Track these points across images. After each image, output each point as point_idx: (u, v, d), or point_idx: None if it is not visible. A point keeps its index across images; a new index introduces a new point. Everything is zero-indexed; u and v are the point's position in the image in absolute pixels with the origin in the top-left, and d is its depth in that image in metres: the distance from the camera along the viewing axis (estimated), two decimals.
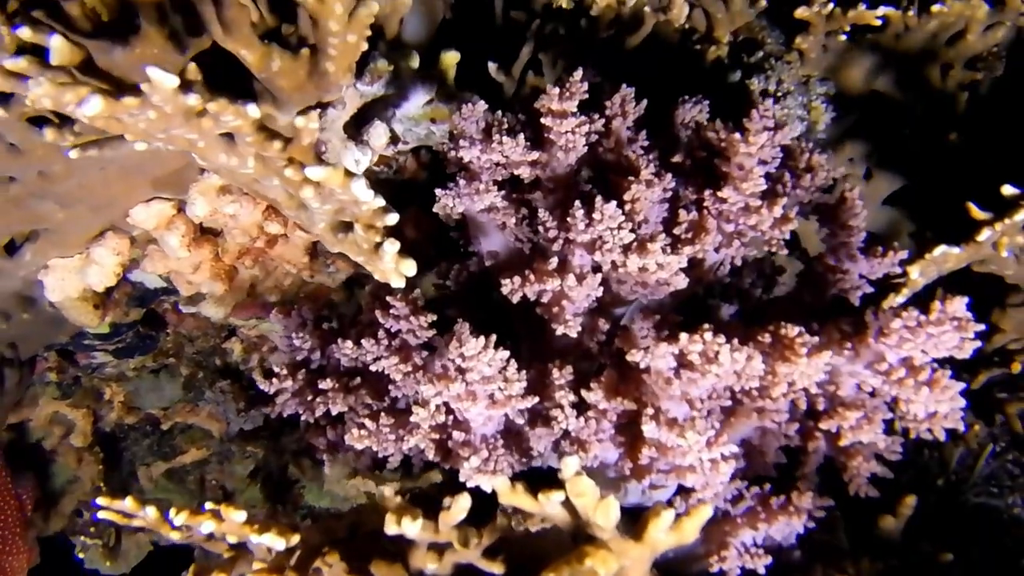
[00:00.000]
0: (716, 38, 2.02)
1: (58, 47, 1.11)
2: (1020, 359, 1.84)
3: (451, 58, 1.60)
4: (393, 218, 1.26)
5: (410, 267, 1.27)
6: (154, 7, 1.23)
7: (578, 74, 1.47)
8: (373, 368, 1.50)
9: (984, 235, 1.51)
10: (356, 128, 1.59)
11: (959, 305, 1.37)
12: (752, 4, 1.98)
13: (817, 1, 1.86)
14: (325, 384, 1.52)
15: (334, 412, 1.52)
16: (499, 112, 1.55)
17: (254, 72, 1.38)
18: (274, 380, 1.57)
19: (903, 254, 1.61)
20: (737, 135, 1.48)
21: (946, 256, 1.53)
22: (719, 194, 1.48)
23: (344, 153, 1.54)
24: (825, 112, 1.98)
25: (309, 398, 1.55)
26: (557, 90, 1.45)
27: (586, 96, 1.48)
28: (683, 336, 1.32)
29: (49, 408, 2.31)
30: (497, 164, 1.51)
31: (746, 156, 1.48)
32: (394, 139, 1.64)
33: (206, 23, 1.29)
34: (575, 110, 1.47)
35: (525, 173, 1.51)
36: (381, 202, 1.22)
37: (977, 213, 1.54)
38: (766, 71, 1.95)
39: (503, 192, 1.53)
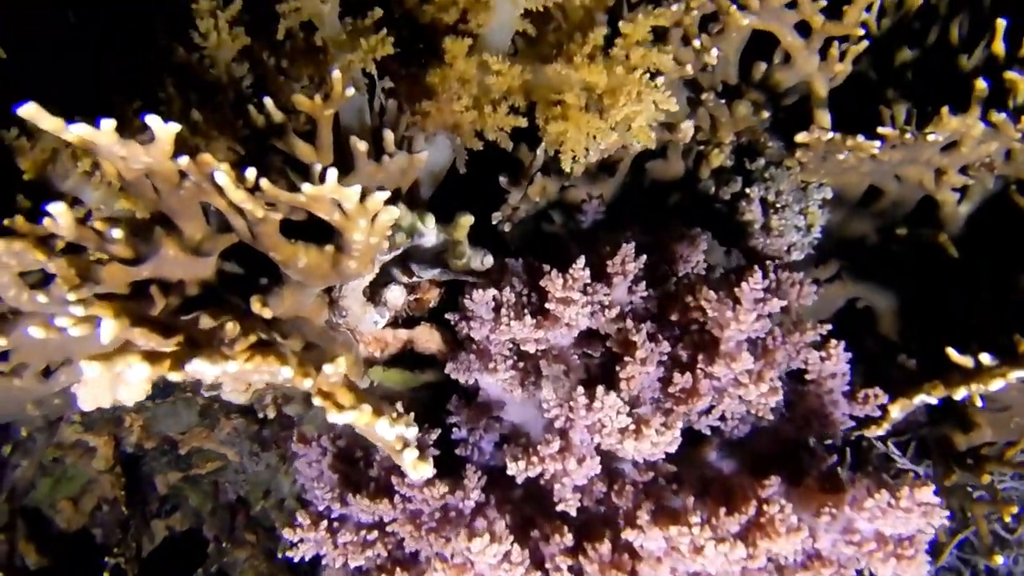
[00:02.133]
0: (719, 140, 2.08)
1: (108, 329, 1.22)
2: (990, 468, 1.96)
3: (466, 221, 1.70)
4: (413, 432, 1.39)
5: (427, 470, 1.40)
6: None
7: (580, 262, 1.58)
8: (388, 529, 1.65)
9: (960, 394, 1.64)
10: (374, 288, 1.70)
11: (927, 493, 1.49)
12: (756, 113, 2.04)
13: (817, 127, 1.92)
14: (344, 538, 1.67)
15: (352, 566, 1.68)
16: (507, 291, 1.65)
17: (280, 267, 1.50)
18: (297, 530, 1.71)
19: (883, 398, 1.73)
20: (728, 312, 1.58)
21: (924, 400, 1.66)
22: (710, 369, 1.59)
23: (364, 317, 1.65)
24: (821, 216, 2.07)
25: (330, 548, 1.70)
26: (561, 280, 1.56)
27: (588, 281, 1.59)
28: (673, 529, 1.46)
29: (72, 437, 2.49)
30: (505, 341, 1.63)
31: (737, 332, 1.59)
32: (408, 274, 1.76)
33: (237, 232, 1.40)
34: (577, 297, 1.57)
35: (531, 348, 1.63)
36: (402, 437, 1.34)
37: (957, 359, 1.66)
38: (766, 181, 2.03)
39: (511, 363, 1.65)
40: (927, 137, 1.88)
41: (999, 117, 1.79)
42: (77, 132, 1.18)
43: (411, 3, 1.71)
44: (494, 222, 1.96)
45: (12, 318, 1.50)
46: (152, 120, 1.23)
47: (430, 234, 1.68)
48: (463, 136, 1.64)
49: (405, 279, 1.69)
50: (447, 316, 1.78)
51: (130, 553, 2.73)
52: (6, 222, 1.31)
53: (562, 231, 2.06)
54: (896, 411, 1.75)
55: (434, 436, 1.70)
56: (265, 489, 2.69)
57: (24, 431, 2.36)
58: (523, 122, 1.65)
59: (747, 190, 2.04)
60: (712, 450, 1.75)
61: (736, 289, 1.60)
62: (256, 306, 1.51)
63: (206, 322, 1.36)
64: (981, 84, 1.80)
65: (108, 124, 1.21)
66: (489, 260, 1.71)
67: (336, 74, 1.52)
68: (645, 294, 1.72)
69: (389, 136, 1.62)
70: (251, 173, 1.33)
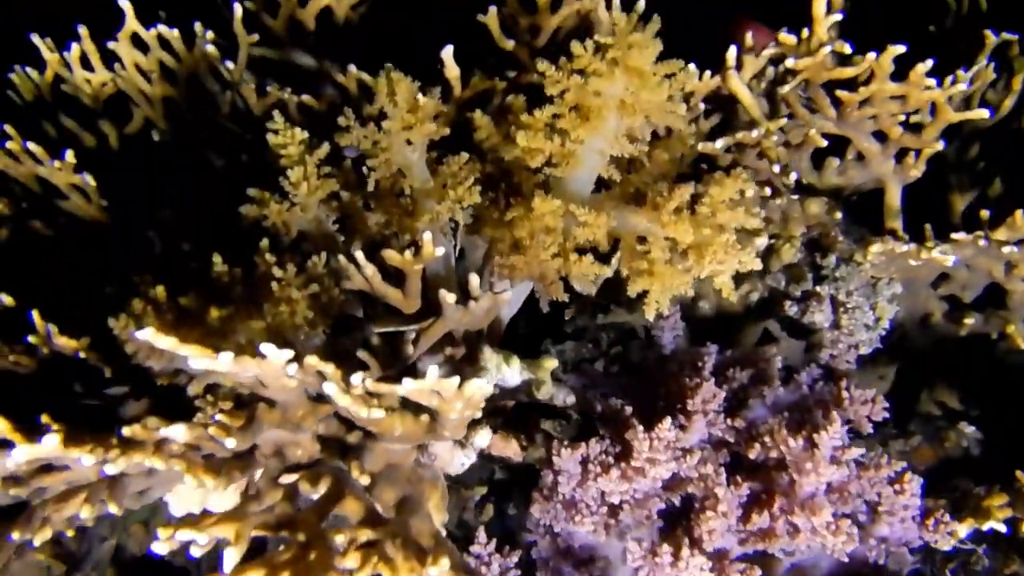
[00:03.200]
0: (790, 234, 2.09)
1: (230, 557, 1.29)
2: None
3: (549, 364, 1.74)
4: None
5: None
6: None
7: (667, 423, 1.62)
8: None
9: None
10: None
11: None
12: (829, 212, 2.05)
13: (890, 238, 1.93)
14: None
15: None
16: (594, 445, 1.69)
17: (376, 435, 1.56)
18: None
19: (951, 524, 1.78)
20: (808, 464, 1.63)
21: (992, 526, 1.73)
22: (791, 518, 1.64)
23: (453, 461, 1.71)
24: (890, 311, 2.09)
25: None
26: (647, 443, 1.61)
27: (673, 439, 1.63)
28: None
29: None
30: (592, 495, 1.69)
31: (815, 482, 1.64)
32: None
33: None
34: (663, 458, 1.62)
35: (616, 499, 1.68)
36: None
37: None
38: (836, 280, 2.05)
39: (597, 516, 1.70)
40: (1000, 245, 1.89)
41: None
42: (198, 365, 1.24)
43: (493, 141, 1.72)
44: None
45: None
46: (267, 349, 1.27)
47: (514, 375, 1.72)
48: (548, 286, 1.66)
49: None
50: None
51: None
52: (125, 431, 1.37)
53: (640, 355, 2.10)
54: (963, 530, 1.81)
55: (515, 559, 1.77)
56: None
57: None
58: (609, 271, 1.67)
59: (817, 288, 2.05)
60: (781, 570, 1.82)
61: (816, 436, 1.64)
62: (355, 473, 1.57)
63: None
64: None
65: (226, 356, 1.25)
66: (571, 399, 1.76)
67: (427, 236, 1.55)
68: (724, 426, 1.76)
69: (475, 281, 1.64)
70: (357, 379, 1.38)
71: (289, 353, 1.29)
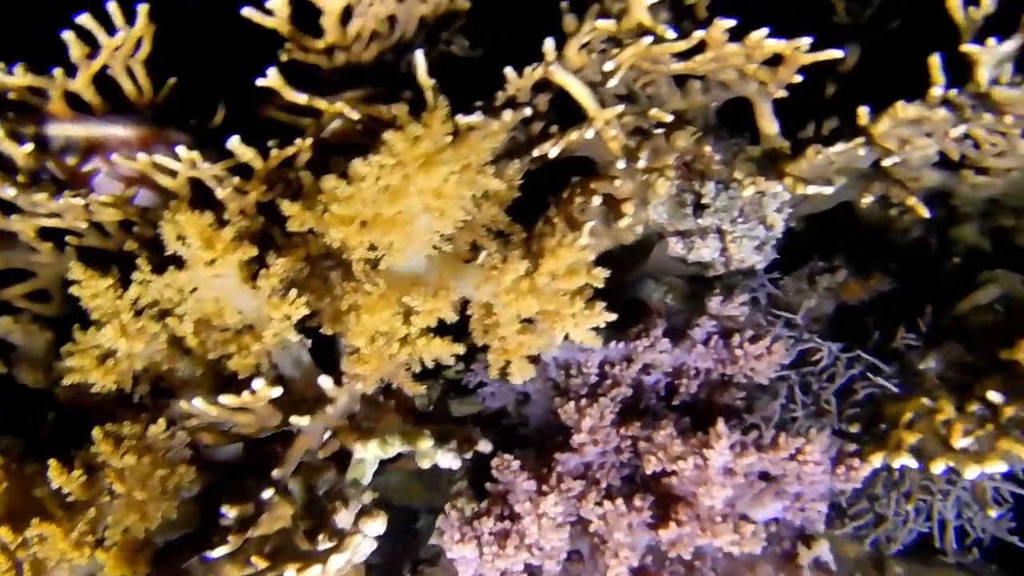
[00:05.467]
0: (662, 165, 1.95)
1: None
2: None
3: (424, 443, 1.69)
4: None
5: None
6: None
7: (551, 501, 1.61)
8: None
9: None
10: None
11: None
12: (697, 144, 1.89)
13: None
14: None
15: None
16: (487, 523, 1.67)
17: None
18: None
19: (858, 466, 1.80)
20: (702, 489, 1.63)
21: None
22: (697, 533, 1.67)
23: None
24: (780, 220, 1.99)
25: None
26: (534, 523, 1.60)
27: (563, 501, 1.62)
28: None
29: None
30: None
31: (712, 497, 1.65)
32: None
33: None
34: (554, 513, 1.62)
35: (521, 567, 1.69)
36: None
37: None
38: (717, 210, 1.93)
39: None
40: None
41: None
42: None
43: (311, 225, 1.56)
44: None
45: None
46: None
47: (394, 451, 1.69)
48: (401, 383, 1.59)
49: None
50: None
51: None
52: None
53: None
54: (867, 470, 1.83)
55: None
56: None
57: None
58: (461, 349, 1.58)
59: (699, 220, 1.94)
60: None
61: (707, 451, 1.63)
62: None
63: None
64: None
65: None
66: (457, 463, 1.72)
67: (257, 383, 1.48)
68: (618, 439, 1.74)
69: (327, 384, 1.59)
70: None
71: None
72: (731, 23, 1.53)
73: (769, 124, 1.85)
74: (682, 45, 1.56)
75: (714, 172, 1.94)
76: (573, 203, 1.70)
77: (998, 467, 1.62)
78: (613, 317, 1.53)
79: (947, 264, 2.21)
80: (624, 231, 1.94)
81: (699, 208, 1.95)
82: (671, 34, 1.53)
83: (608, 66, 1.57)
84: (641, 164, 1.71)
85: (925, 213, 1.86)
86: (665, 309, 2.12)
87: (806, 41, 1.57)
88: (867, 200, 1.99)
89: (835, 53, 1.60)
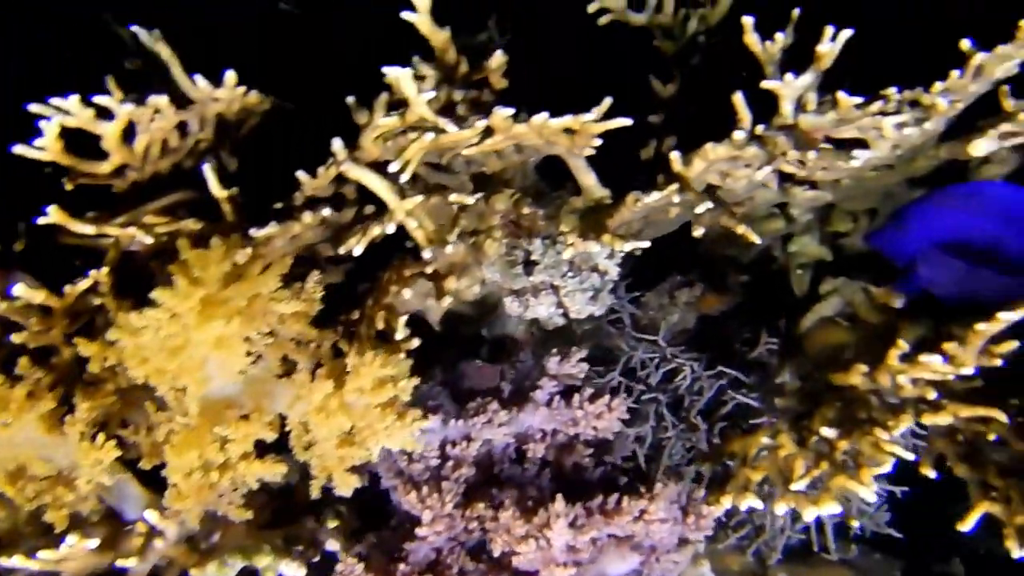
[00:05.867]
0: (488, 226, 1.93)
1: None
2: None
3: (263, 560, 1.68)
4: None
5: None
6: None
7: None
8: None
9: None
10: None
11: None
12: (516, 205, 1.87)
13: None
14: None
15: None
16: None
17: None
18: None
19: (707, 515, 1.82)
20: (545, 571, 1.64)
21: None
22: None
23: None
24: (613, 264, 1.98)
25: None
26: None
27: None
28: None
29: None
30: None
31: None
32: None
33: None
34: None
35: None
36: None
37: None
38: (547, 267, 1.92)
39: None
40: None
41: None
42: None
43: (113, 361, 1.53)
44: None
45: None
46: None
47: (234, 572, 1.67)
48: (226, 512, 1.57)
49: None
50: None
51: None
52: None
53: None
54: (718, 512, 1.85)
55: None
56: None
57: None
58: (284, 468, 1.56)
59: (531, 279, 1.93)
60: None
61: (547, 531, 1.63)
62: None
63: None
64: None
65: None
66: (302, 571, 1.70)
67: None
68: (462, 522, 1.73)
69: (153, 518, 1.57)
70: None
71: None
72: (510, 111, 1.50)
73: (585, 177, 1.83)
74: (468, 135, 1.52)
75: (540, 228, 1.93)
76: (388, 292, 1.67)
77: (832, 508, 1.63)
78: (427, 423, 1.51)
79: (792, 275, 2.22)
80: (464, 291, 1.93)
81: (529, 265, 1.93)
82: (452, 128, 1.50)
83: (393, 167, 1.53)
84: (451, 243, 1.68)
85: (756, 240, 1.85)
86: (532, 340, 2.12)
87: (591, 116, 1.54)
88: (698, 232, 1.98)
89: (624, 121, 1.58)
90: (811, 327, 2.11)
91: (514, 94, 1.71)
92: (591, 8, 2.03)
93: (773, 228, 2.15)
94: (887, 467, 1.64)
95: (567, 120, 1.55)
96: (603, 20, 2.07)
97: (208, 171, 1.57)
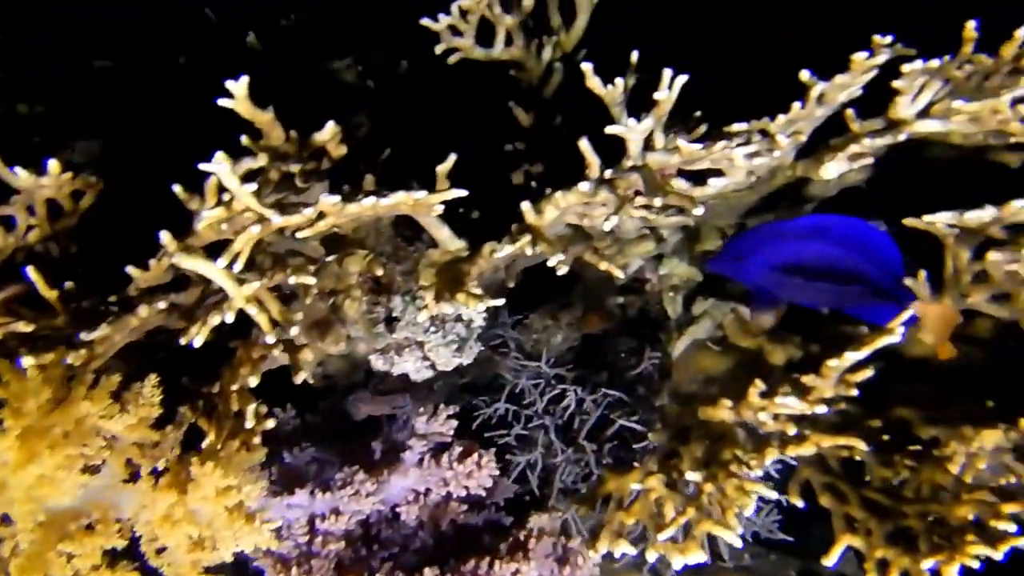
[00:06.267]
0: (346, 286, 1.90)
1: None
2: None
3: None
4: None
5: None
6: None
7: None
8: None
9: None
10: None
11: None
12: (369, 267, 1.84)
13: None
14: None
15: None
16: None
17: None
18: None
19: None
20: None
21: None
22: None
23: None
24: (477, 313, 1.96)
25: None
26: None
27: None
28: None
29: None
30: None
31: None
32: None
33: None
34: None
35: None
36: None
37: None
38: (408, 325, 1.90)
39: None
40: None
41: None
42: None
43: None
44: None
45: None
46: None
47: None
48: None
49: None
50: None
51: None
52: None
53: None
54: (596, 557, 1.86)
55: None
56: None
57: None
58: None
59: (394, 337, 1.90)
60: None
61: None
62: None
63: None
64: None
65: None
66: None
67: None
68: None
69: None
70: None
71: None
72: (336, 199, 1.46)
73: (438, 232, 1.79)
74: (298, 221, 1.48)
75: (399, 285, 1.90)
76: (238, 375, 1.64)
77: (699, 557, 1.64)
78: (275, 525, 1.49)
79: (665, 297, 2.22)
80: (331, 347, 1.90)
81: (392, 322, 1.91)
82: (277, 219, 1.46)
83: (221, 263, 1.48)
84: (295, 328, 1.64)
85: (621, 275, 1.84)
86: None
87: (421, 195, 1.51)
88: (562, 271, 1.97)
89: (459, 193, 1.55)
90: (685, 350, 2.11)
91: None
92: (438, 49, 1.98)
93: (643, 250, 2.13)
94: (750, 509, 1.65)
95: (399, 198, 1.51)
96: (452, 59, 2.02)
97: (32, 273, 1.51)
